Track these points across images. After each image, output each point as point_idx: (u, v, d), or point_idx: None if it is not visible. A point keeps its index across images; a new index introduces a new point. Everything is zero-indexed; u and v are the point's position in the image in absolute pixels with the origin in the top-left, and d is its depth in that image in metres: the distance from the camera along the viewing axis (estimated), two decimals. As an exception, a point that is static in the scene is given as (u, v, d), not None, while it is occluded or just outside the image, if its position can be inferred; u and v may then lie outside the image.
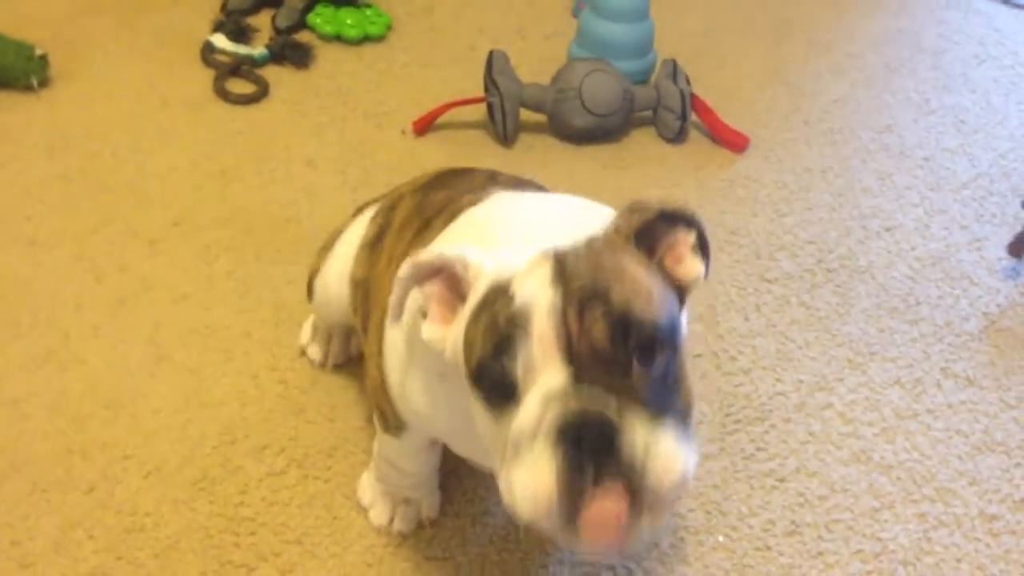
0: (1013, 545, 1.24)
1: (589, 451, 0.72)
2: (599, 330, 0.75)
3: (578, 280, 0.77)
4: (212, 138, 1.88)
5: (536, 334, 0.75)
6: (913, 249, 1.71)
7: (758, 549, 1.22)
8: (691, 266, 0.85)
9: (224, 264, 1.59)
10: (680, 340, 0.81)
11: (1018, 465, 1.34)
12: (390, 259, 1.10)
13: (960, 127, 2.04)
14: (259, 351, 1.44)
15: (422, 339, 0.88)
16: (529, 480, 0.74)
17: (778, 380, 1.45)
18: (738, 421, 1.39)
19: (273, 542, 1.19)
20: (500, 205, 0.99)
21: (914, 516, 1.27)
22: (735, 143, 1.92)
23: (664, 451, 0.74)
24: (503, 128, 1.85)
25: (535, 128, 1.94)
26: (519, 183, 1.17)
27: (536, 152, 1.90)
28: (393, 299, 0.89)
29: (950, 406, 1.42)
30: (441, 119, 1.91)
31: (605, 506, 0.73)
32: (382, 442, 1.14)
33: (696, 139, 1.96)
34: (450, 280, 0.86)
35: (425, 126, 1.89)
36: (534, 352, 0.75)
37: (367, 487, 1.22)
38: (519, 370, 0.76)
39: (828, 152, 1.94)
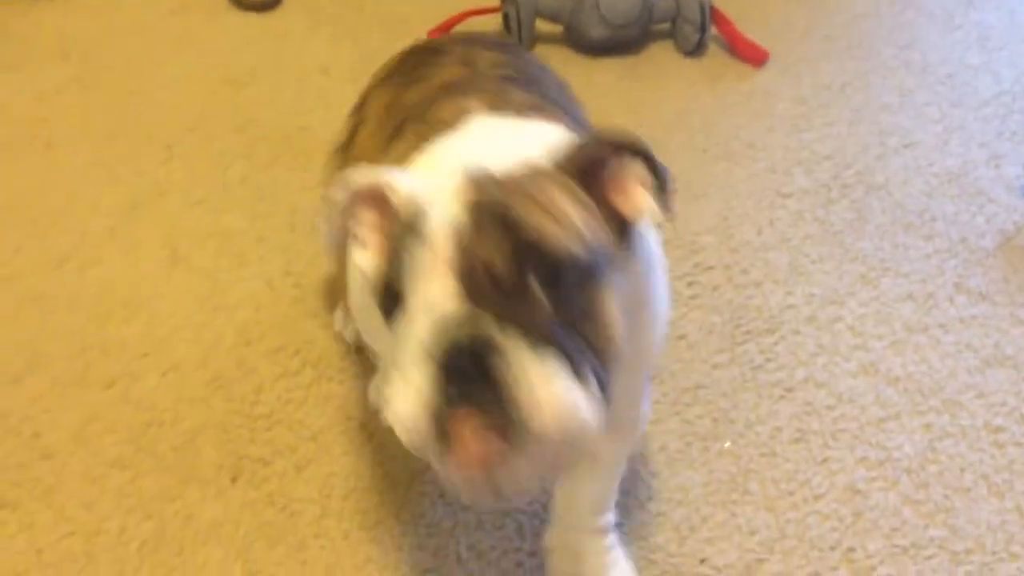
0: (1018, 456, 1.26)
1: (459, 373, 0.67)
2: (498, 254, 0.69)
3: (489, 201, 0.71)
4: (227, 45, 1.86)
5: (429, 244, 0.70)
6: (931, 166, 1.70)
7: (764, 455, 1.24)
8: (636, 199, 0.77)
9: (239, 170, 1.60)
10: (602, 278, 0.73)
11: (1026, 379, 1.35)
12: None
13: (984, 44, 2.00)
14: (274, 256, 1.45)
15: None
16: (399, 399, 0.70)
17: (789, 293, 1.46)
18: (748, 332, 1.40)
19: (288, 438, 1.22)
20: (472, 143, 0.88)
21: (920, 427, 1.28)
22: (754, 57, 1.89)
23: (544, 384, 0.67)
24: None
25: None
26: (499, 65, 1.04)
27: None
28: (326, 226, 0.82)
29: (961, 320, 1.43)
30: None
31: (466, 434, 0.67)
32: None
33: (714, 53, 1.94)
34: (384, 207, 0.78)
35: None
36: (425, 261, 0.70)
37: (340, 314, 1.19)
38: (407, 277, 0.71)
39: (848, 68, 1.91)
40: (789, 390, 1.32)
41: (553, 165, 0.76)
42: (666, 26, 1.94)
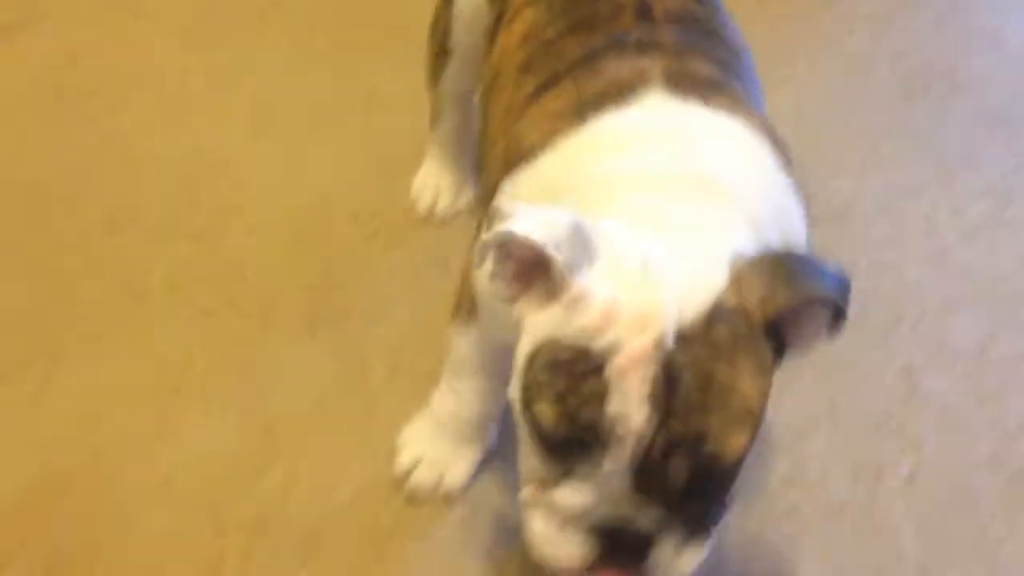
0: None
1: (617, 550, 0.72)
2: (678, 475, 0.69)
3: (682, 420, 0.67)
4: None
5: (613, 452, 0.68)
6: (1019, 66, 1.66)
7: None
8: (808, 338, 0.73)
9: (326, 41, 1.64)
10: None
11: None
12: (508, 107, 0.93)
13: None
14: (355, 126, 1.50)
15: None
16: (557, 548, 0.74)
17: (861, 183, 1.46)
18: (817, 219, 1.40)
19: (364, 295, 1.28)
20: (641, 134, 0.80)
21: (983, 316, 1.29)
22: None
23: (684, 567, 0.73)
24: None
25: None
26: (680, 19, 0.91)
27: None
28: (476, 258, 0.73)
29: (1035, 218, 1.42)
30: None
31: None
32: (456, 349, 1.05)
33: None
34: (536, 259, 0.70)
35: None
36: (604, 464, 0.69)
37: (411, 430, 1.13)
38: (581, 461, 0.71)
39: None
40: (854, 275, 1.33)
41: (748, 323, 0.69)
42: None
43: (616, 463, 0.69)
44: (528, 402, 0.72)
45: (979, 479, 1.14)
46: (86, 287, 1.29)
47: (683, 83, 0.83)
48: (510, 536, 1.07)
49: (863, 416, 1.19)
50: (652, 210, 0.74)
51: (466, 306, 0.99)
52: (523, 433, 0.75)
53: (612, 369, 0.67)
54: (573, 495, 0.72)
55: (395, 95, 1.47)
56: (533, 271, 0.70)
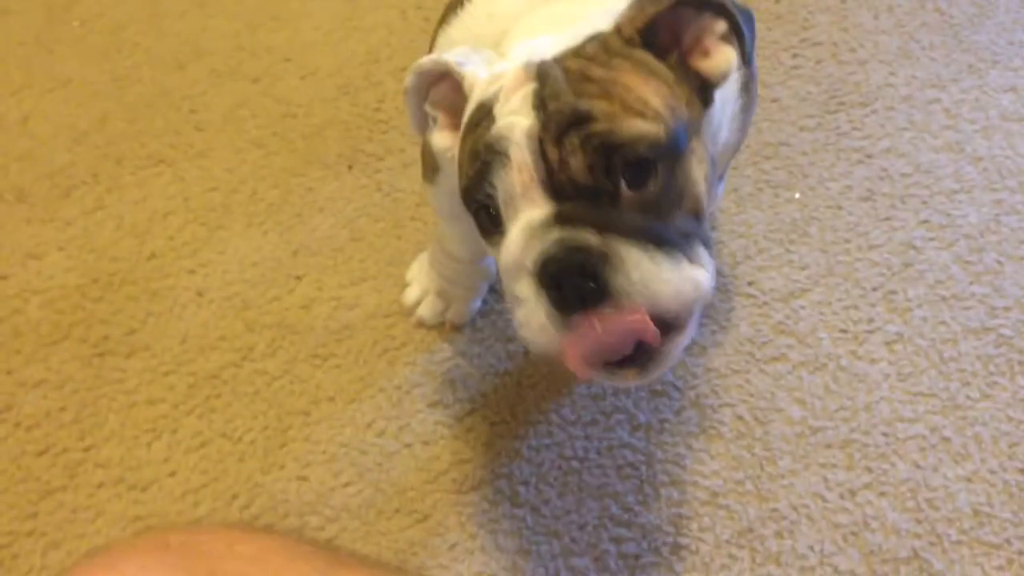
0: (1081, 238, 1.30)
1: (573, 289, 0.69)
2: (577, 160, 0.69)
3: (557, 101, 0.70)
4: None
5: (514, 164, 0.70)
6: (1072, -27, 1.66)
7: (829, 207, 1.33)
8: (720, 59, 0.74)
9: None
10: (685, 147, 0.72)
11: (1112, 174, 1.37)
12: None
13: None
14: (410, -9, 1.59)
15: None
16: (526, 319, 0.72)
17: (892, 73, 1.50)
18: (842, 103, 1.46)
19: (400, 141, 1.38)
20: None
21: (990, 201, 1.34)
22: None
23: (651, 277, 0.69)
24: None
25: None
26: None
27: None
28: (407, 112, 0.84)
29: (1060, 116, 1.45)
30: None
31: (597, 337, 0.69)
32: (432, 203, 1.11)
33: None
34: (455, 86, 0.79)
35: None
36: (513, 183, 0.71)
37: (416, 267, 1.21)
38: (500, 200, 0.72)
39: None
40: (869, 156, 1.39)
41: (622, 37, 0.73)
42: None
43: (522, 171, 0.70)
44: (460, 179, 0.77)
45: (963, 345, 1.20)
46: (151, 115, 1.41)
47: None
48: (513, 356, 1.17)
49: (859, 281, 1.25)
50: (552, 17, 0.80)
51: (430, 164, 1.03)
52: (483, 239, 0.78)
53: (497, 104, 0.73)
54: (507, 249, 0.72)
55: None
56: (455, 97, 0.79)
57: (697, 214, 0.73)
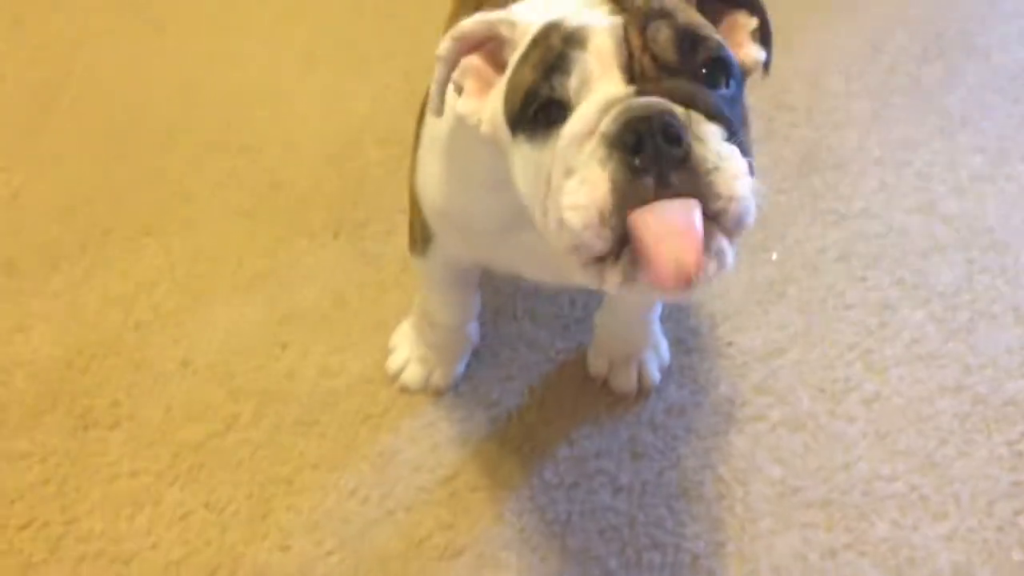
0: (1053, 295, 1.33)
1: (654, 152, 0.64)
2: (664, 40, 0.68)
3: (639, 3, 0.71)
4: None
5: (594, 49, 0.68)
6: (1037, 37, 1.71)
7: (806, 268, 1.35)
8: (751, 52, 0.77)
9: (374, -6, 1.77)
10: (741, 81, 0.73)
11: (1082, 232, 1.40)
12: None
13: None
14: (395, 66, 1.62)
15: (461, 133, 0.83)
16: (581, 191, 0.66)
17: (865, 137, 1.53)
18: (816, 166, 1.49)
19: (384, 209, 1.40)
20: None
21: (962, 261, 1.36)
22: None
23: (734, 160, 0.66)
24: None
25: None
26: None
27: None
28: (434, 85, 0.78)
29: (1029, 176, 1.48)
30: None
31: (672, 207, 0.64)
32: (417, 273, 1.12)
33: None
34: (493, 50, 0.77)
35: None
36: (590, 66, 0.68)
37: (400, 333, 1.23)
38: (573, 85, 0.68)
39: (976, -60, 1.92)
40: (843, 217, 1.42)
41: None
42: None
43: (602, 55, 0.68)
44: (512, 102, 0.72)
45: (940, 403, 1.21)
46: (139, 188, 1.44)
47: None
48: (495, 420, 1.18)
49: (836, 340, 1.27)
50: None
51: (420, 235, 1.03)
52: (517, 152, 0.73)
53: (569, 18, 0.71)
54: (577, 116, 0.68)
55: (432, 44, 1.59)
56: (489, 78, 0.76)
57: (751, 150, 0.71)
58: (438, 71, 0.77)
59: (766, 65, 0.79)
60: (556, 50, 0.69)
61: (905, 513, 1.12)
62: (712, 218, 0.65)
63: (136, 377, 1.23)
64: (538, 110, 0.70)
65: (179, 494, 1.12)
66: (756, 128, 1.50)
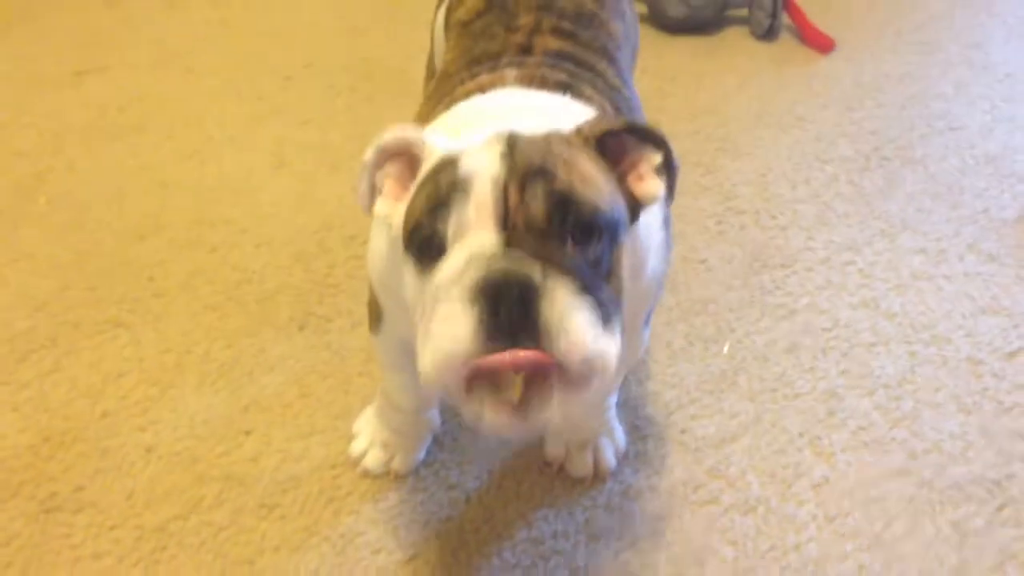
0: (992, 384, 1.38)
1: (505, 310, 0.72)
2: (537, 203, 0.75)
3: (524, 157, 0.77)
4: (350, 3, 2.14)
5: (474, 198, 0.75)
6: (972, 148, 1.82)
7: (756, 359, 1.40)
8: (651, 186, 0.84)
9: (344, 100, 1.86)
10: (621, 238, 0.81)
11: (1016, 327, 1.47)
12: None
13: (1051, 51, 2.11)
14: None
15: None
16: (442, 331, 0.74)
17: (810, 239, 1.61)
18: (764, 265, 1.56)
19: (349, 304, 1.45)
20: (495, 103, 0.97)
21: (906, 353, 1.42)
22: (821, 45, 2.05)
23: (579, 324, 0.73)
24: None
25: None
26: (545, 65, 1.05)
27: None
28: (359, 186, 0.88)
29: (966, 275, 1.55)
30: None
31: (514, 358, 0.72)
32: (375, 352, 1.17)
33: (785, 40, 2.11)
34: (410, 161, 0.86)
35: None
36: (469, 214, 0.75)
37: (363, 419, 1.26)
38: (451, 229, 0.76)
39: (912, 61, 2.05)
40: (792, 312, 1.48)
41: (581, 137, 0.83)
42: (743, 12, 2.12)
43: (480, 214, 0.75)
44: (407, 223, 0.82)
45: (886, 486, 1.25)
46: (110, 283, 1.48)
47: (533, 83, 1.00)
48: (455, 503, 1.21)
49: (786, 427, 1.31)
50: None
51: (375, 314, 1.10)
52: (407, 269, 0.81)
53: (462, 157, 0.79)
54: (448, 263, 0.76)
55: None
56: (405, 183, 0.86)
57: (614, 304, 0.79)
58: (361, 175, 0.88)
59: (670, 191, 0.86)
60: (443, 191, 0.78)
61: (855, 592, 1.14)
62: (558, 370, 0.74)
63: (101, 463, 1.24)
64: (421, 242, 0.79)
65: (140, 576, 1.13)
66: (708, 229, 1.58)
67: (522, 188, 0.76)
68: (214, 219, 1.59)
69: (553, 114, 0.93)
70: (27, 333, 1.40)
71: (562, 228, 0.76)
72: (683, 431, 1.31)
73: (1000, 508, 1.23)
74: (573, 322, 0.73)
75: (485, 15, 1.15)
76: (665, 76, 1.98)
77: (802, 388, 1.37)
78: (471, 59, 1.10)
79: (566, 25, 1.11)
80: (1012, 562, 1.18)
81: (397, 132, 0.86)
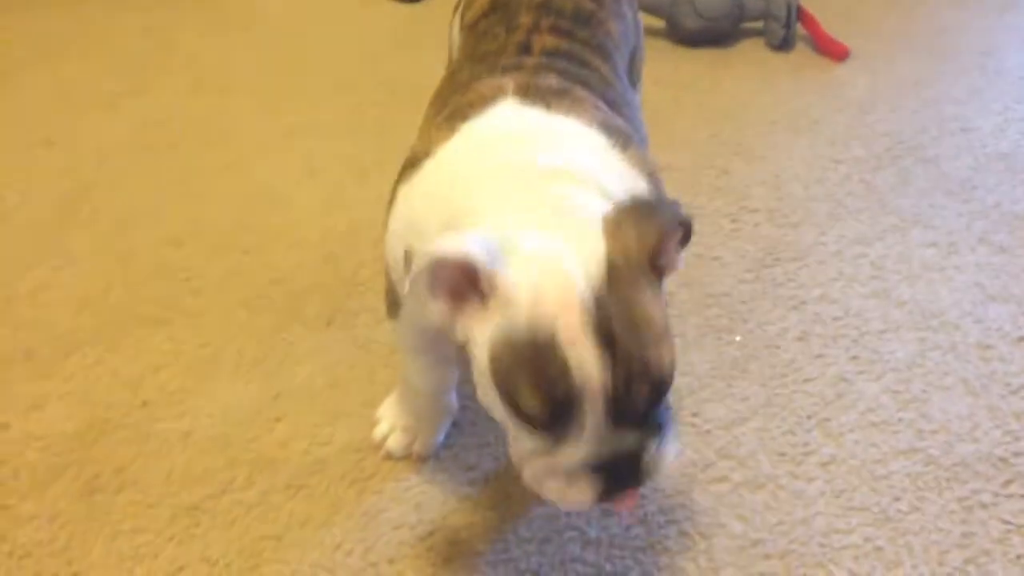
0: (1000, 368, 1.41)
1: (619, 479, 0.89)
2: (642, 400, 0.86)
3: (624, 351, 0.83)
4: (378, 26, 2.24)
5: (590, 406, 0.84)
6: (983, 147, 1.86)
7: (767, 347, 1.45)
8: (674, 260, 0.91)
9: (371, 115, 1.94)
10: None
11: (1026, 314, 1.50)
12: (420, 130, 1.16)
13: (1066, 54, 2.14)
14: (391, 174, 1.76)
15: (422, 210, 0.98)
16: (571, 494, 0.90)
17: (822, 234, 1.66)
18: (777, 259, 1.61)
19: (374, 300, 1.52)
20: (495, 138, 0.99)
21: (915, 339, 1.46)
22: (835, 52, 2.10)
23: (665, 460, 0.91)
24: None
25: (653, 32, 2.20)
26: (542, 68, 1.09)
27: (650, 51, 2.14)
28: (409, 280, 0.87)
29: (977, 265, 1.59)
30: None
31: (626, 503, 0.93)
32: (394, 337, 1.22)
33: (801, 49, 2.16)
34: (465, 270, 0.85)
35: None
36: (586, 414, 0.84)
37: (386, 405, 1.32)
38: (571, 428, 0.86)
39: (925, 67, 2.09)
40: (803, 303, 1.52)
41: (634, 267, 0.86)
42: (758, 24, 2.18)
43: (595, 414, 0.84)
44: (510, 398, 0.86)
45: (893, 464, 1.28)
46: (150, 284, 1.56)
47: (531, 93, 1.02)
48: (473, 483, 1.26)
49: (795, 410, 1.35)
50: (526, 202, 0.90)
51: (392, 301, 1.14)
52: (512, 425, 0.90)
53: (562, 344, 0.82)
54: (573, 452, 0.87)
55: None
56: (462, 291, 0.86)
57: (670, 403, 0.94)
58: (416, 277, 0.85)
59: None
60: (561, 402, 0.84)
61: (860, 563, 1.17)
62: None
63: (141, 448, 1.31)
64: (531, 420, 0.87)
65: (176, 550, 1.19)
66: (722, 228, 1.63)
67: (628, 387, 0.84)
68: (248, 225, 1.67)
69: (564, 147, 0.96)
70: (72, 332, 1.49)
71: (656, 403, 0.89)
72: (695, 414, 1.35)
73: (1007, 483, 1.26)
74: (664, 464, 0.91)
75: (490, 15, 1.22)
76: (681, 85, 2.03)
77: (812, 373, 1.41)
78: (474, 58, 1.17)
79: (564, 24, 1.17)
80: (1017, 533, 1.21)
81: (457, 248, 0.83)
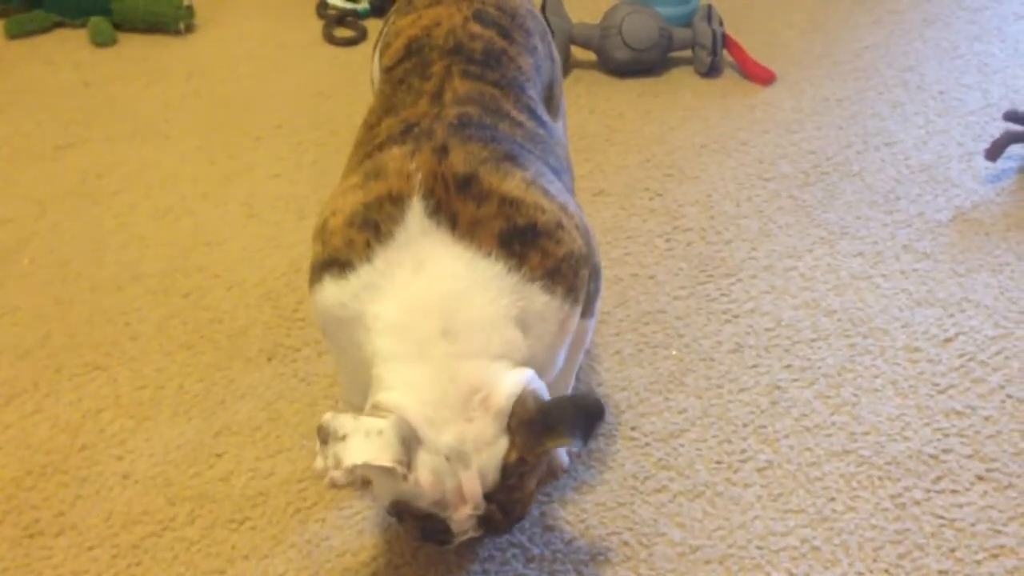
0: (928, 369, 1.45)
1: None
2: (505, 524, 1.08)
3: (496, 525, 1.07)
4: (316, 70, 2.27)
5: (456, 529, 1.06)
6: (907, 159, 1.91)
7: (703, 360, 1.48)
8: (564, 462, 1.28)
9: (311, 155, 1.97)
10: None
11: (951, 316, 1.54)
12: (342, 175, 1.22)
13: (983, 69, 2.21)
14: (327, 213, 1.79)
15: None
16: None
17: (753, 249, 1.70)
18: (710, 276, 1.64)
19: (316, 334, 1.53)
20: (398, 284, 1.05)
21: (845, 346, 1.49)
22: (761, 77, 2.16)
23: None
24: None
25: (585, 65, 2.25)
26: (467, 102, 1.15)
27: (583, 83, 2.20)
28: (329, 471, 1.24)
29: (903, 272, 1.63)
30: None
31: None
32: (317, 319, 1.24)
33: (728, 75, 2.22)
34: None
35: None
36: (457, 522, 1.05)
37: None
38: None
39: (849, 86, 2.16)
40: (736, 316, 1.56)
41: (528, 459, 1.03)
42: (687, 53, 2.23)
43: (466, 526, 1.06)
44: (397, 518, 1.08)
45: (828, 466, 1.31)
46: (90, 330, 1.56)
47: (437, 189, 1.05)
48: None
49: (731, 419, 1.38)
50: (437, 392, 1.02)
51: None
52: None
53: (452, 526, 1.04)
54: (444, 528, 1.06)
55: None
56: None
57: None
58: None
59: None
60: (438, 537, 1.07)
61: (798, 563, 1.19)
62: None
63: (80, 491, 1.31)
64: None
65: (116, 590, 1.18)
66: (656, 248, 1.66)
67: (495, 523, 1.07)
68: (188, 268, 1.68)
69: (469, 314, 1.03)
70: (11, 380, 1.48)
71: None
72: (633, 428, 1.37)
73: (938, 479, 1.29)
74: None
75: (404, 62, 1.24)
76: (613, 114, 2.08)
77: (746, 383, 1.44)
78: (391, 110, 1.19)
79: (473, 69, 1.20)
80: (949, 528, 1.23)
81: (364, 463, 0.98)
